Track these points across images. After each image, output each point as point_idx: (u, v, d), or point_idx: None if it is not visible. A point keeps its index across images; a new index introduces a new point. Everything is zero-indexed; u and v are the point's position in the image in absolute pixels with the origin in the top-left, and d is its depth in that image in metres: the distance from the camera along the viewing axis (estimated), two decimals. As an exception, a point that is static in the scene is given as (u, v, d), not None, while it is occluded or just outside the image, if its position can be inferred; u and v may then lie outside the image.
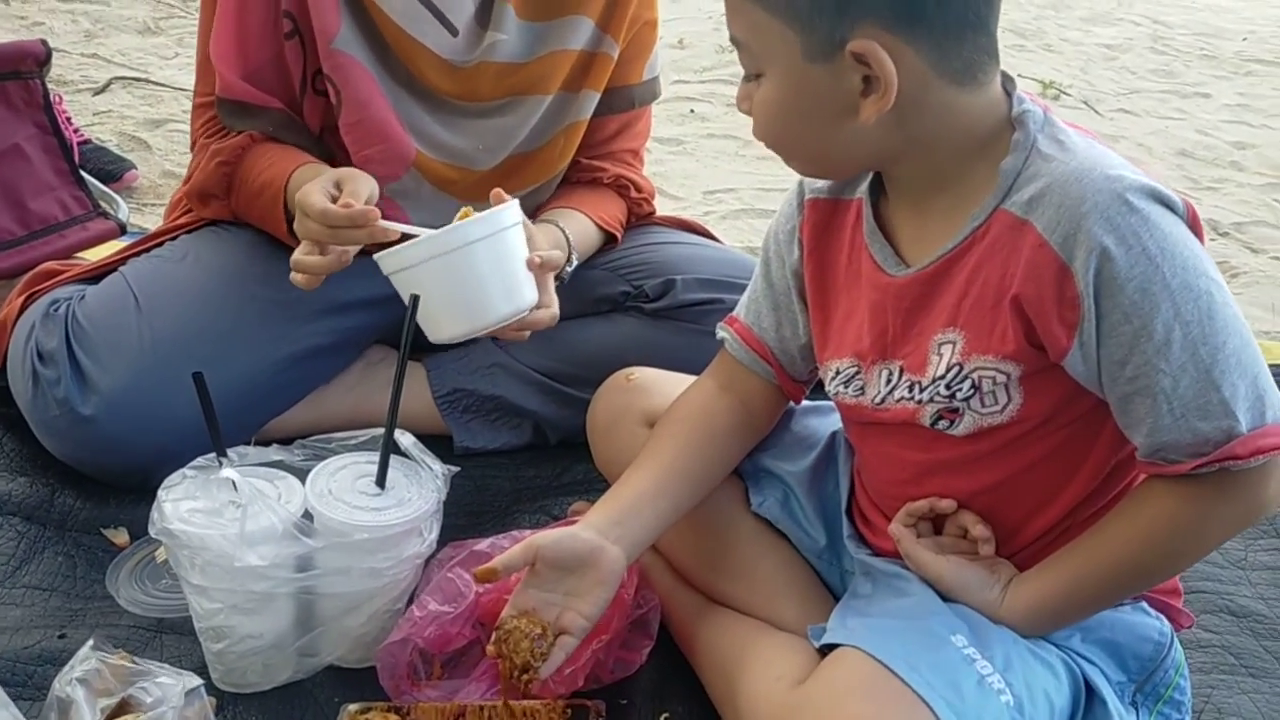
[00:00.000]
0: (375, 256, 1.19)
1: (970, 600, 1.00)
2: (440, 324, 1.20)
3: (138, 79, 2.93)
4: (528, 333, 1.29)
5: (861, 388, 1.05)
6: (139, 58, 3.11)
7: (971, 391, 0.97)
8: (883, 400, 1.03)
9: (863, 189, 1.06)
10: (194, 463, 1.10)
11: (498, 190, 1.25)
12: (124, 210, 1.94)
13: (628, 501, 1.09)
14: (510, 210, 1.20)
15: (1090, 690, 1.00)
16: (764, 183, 2.56)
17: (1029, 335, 0.94)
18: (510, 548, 1.07)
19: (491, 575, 1.02)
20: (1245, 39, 4.47)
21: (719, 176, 2.63)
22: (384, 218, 1.44)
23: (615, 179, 1.55)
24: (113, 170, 2.26)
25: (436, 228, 1.19)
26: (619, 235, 1.54)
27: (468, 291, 1.17)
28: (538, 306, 1.25)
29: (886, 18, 0.89)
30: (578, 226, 1.46)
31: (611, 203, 1.54)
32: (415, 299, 1.12)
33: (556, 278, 1.34)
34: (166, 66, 3.07)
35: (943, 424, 1.00)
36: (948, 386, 0.98)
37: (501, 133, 1.47)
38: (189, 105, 2.69)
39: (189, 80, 2.84)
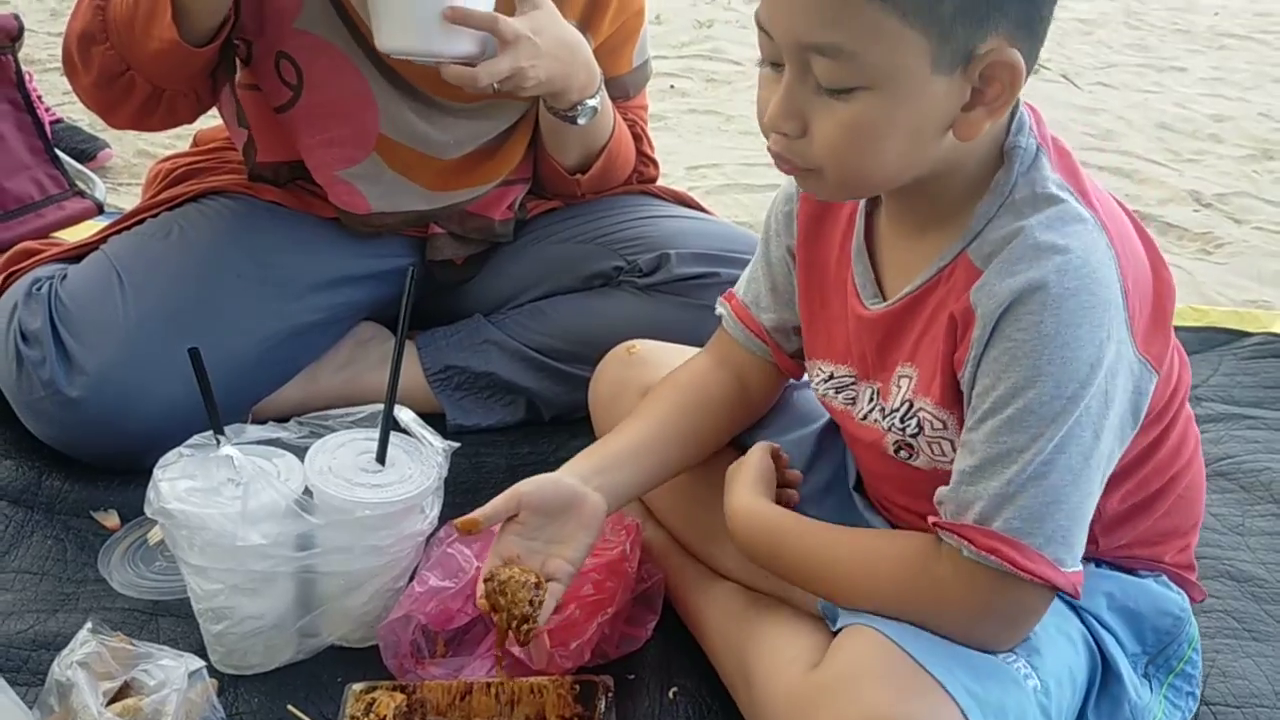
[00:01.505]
0: None
1: (732, 478, 1.06)
2: (382, 34, 1.26)
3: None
4: (465, 88, 1.28)
5: (853, 399, 1.04)
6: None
7: (917, 430, 0.96)
8: (864, 416, 1.02)
9: None
10: (190, 441, 1.08)
11: None
12: (101, 189, 1.90)
13: (612, 453, 1.09)
14: None
15: (1106, 662, 0.99)
16: (747, 158, 2.54)
17: (955, 385, 0.92)
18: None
19: (473, 525, 1.00)
20: (1217, 14, 4.51)
21: (702, 152, 2.61)
22: (340, 198, 1.43)
23: (632, 122, 1.54)
24: (86, 149, 2.22)
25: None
26: (631, 161, 1.53)
27: (398, 12, 1.23)
28: (485, 59, 1.26)
29: (1014, 26, 0.83)
30: (606, 98, 1.44)
31: (628, 137, 1.53)
32: (411, 271, 1.10)
33: (573, 107, 1.38)
34: (136, 45, 3.00)
35: (903, 454, 0.99)
36: (901, 420, 0.97)
37: (477, 130, 1.45)
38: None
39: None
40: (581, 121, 1.41)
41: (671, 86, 3.01)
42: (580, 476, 1.05)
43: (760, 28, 0.88)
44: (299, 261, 1.43)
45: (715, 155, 2.57)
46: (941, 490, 0.91)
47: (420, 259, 1.50)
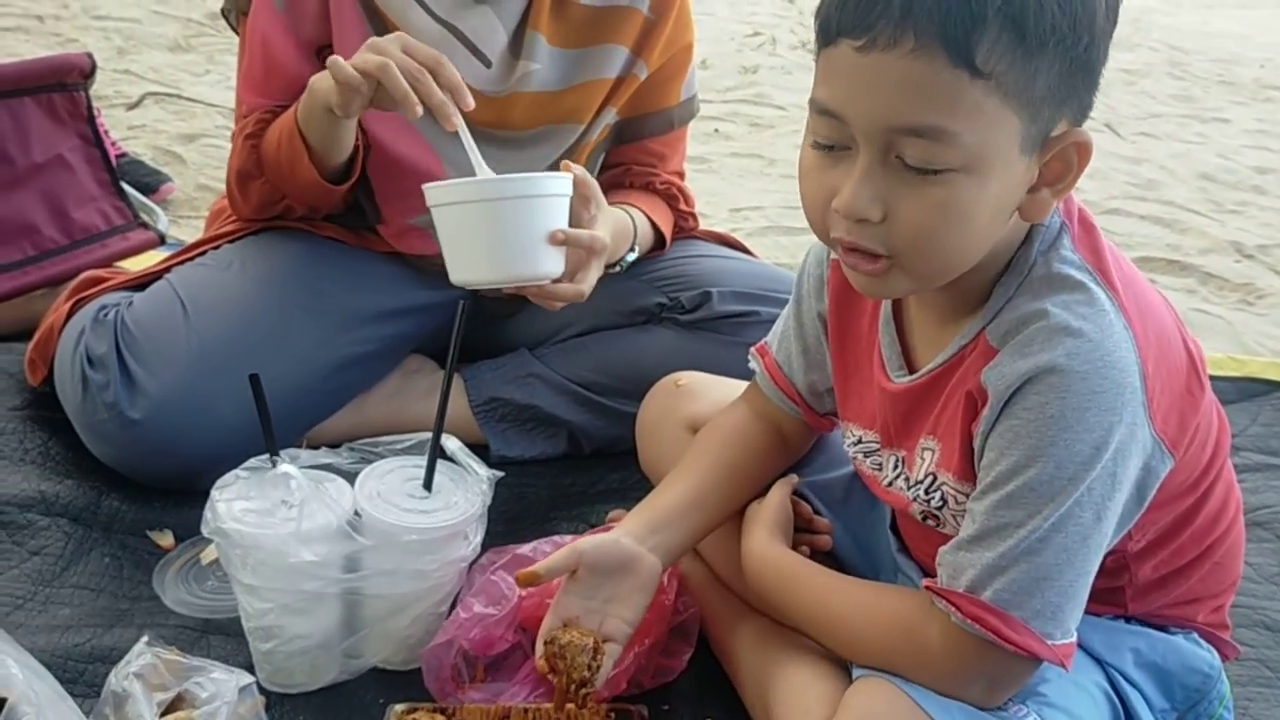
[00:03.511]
0: (425, 187, 1.22)
1: (750, 519, 1.09)
2: (461, 266, 1.23)
3: (170, 94, 2.97)
4: (557, 305, 1.31)
5: (879, 465, 1.06)
6: (170, 74, 3.15)
7: (942, 504, 0.98)
8: (890, 484, 1.04)
9: None
10: (247, 464, 1.12)
11: (567, 162, 1.28)
12: (163, 221, 1.97)
13: (664, 511, 1.11)
14: (559, 180, 1.23)
15: (1130, 717, 1.00)
16: (789, 200, 2.57)
17: (972, 459, 0.94)
18: (551, 553, 1.08)
19: (534, 579, 1.03)
20: (1263, 66, 4.50)
21: (745, 194, 2.65)
22: (412, 243, 1.49)
23: (667, 185, 1.57)
24: (149, 183, 2.28)
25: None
26: (668, 241, 1.56)
27: (494, 242, 1.20)
28: (569, 281, 1.28)
29: (1078, 111, 0.85)
30: (640, 221, 1.49)
31: (663, 210, 1.56)
32: (463, 305, 1.14)
33: (615, 264, 1.36)
34: (198, 83, 3.10)
35: (930, 523, 1.01)
36: (926, 492, 0.99)
37: (534, 162, 1.48)
38: (220, 121, 2.76)
39: (220, 96, 2.90)
40: (619, 268, 1.45)
41: (716, 130, 3.05)
42: (636, 537, 1.07)
43: (827, 112, 0.84)
44: (354, 295, 1.48)
45: (758, 198, 2.60)
46: (942, 551, 0.93)
47: (470, 293, 1.54)
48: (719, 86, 3.41)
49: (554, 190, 1.22)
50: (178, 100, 2.93)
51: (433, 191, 1.21)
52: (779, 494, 1.11)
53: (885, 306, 1.03)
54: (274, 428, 1.12)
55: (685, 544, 1.12)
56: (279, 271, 1.46)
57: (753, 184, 2.72)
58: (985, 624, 0.88)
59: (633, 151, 1.59)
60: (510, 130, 1.46)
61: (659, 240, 1.55)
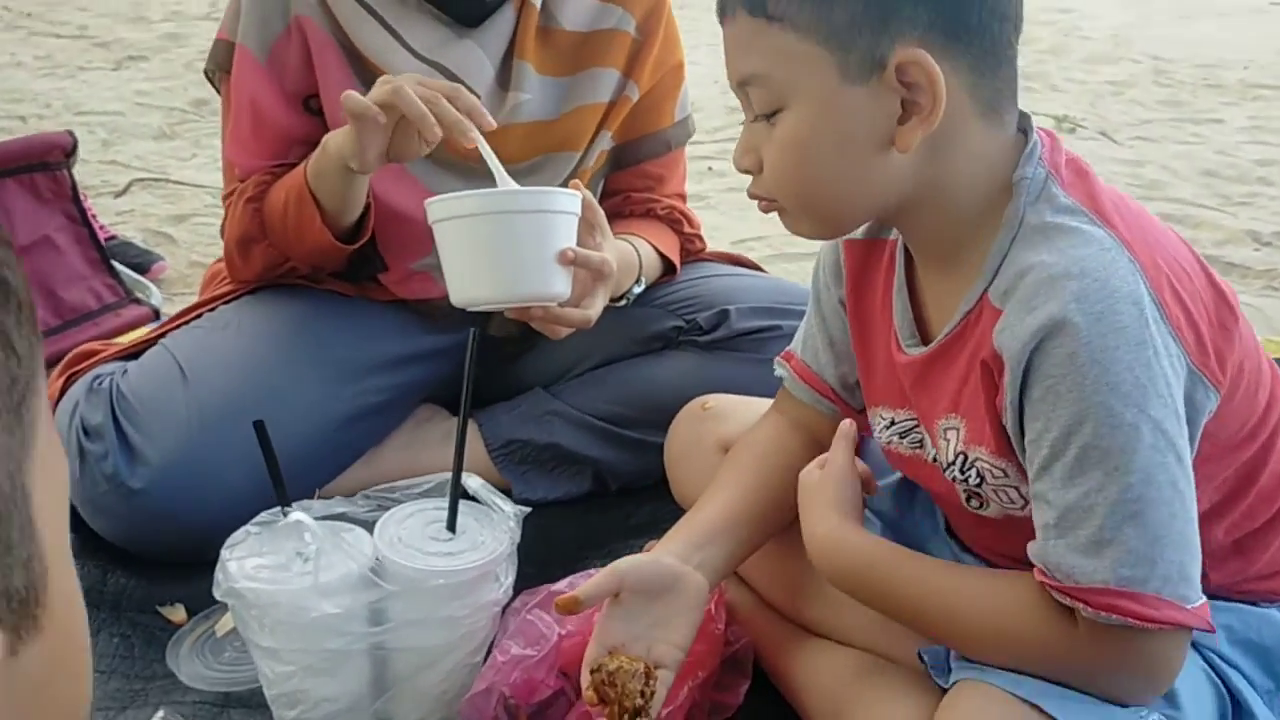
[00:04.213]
0: (426, 202, 1.16)
1: (812, 498, 0.99)
2: (464, 284, 1.17)
3: (157, 179, 2.95)
4: (562, 331, 1.25)
5: (919, 442, 0.99)
6: (157, 161, 3.14)
7: (979, 480, 0.92)
8: (934, 459, 0.97)
9: (896, 231, 1.01)
10: (257, 518, 1.05)
11: (577, 181, 1.23)
12: (157, 297, 1.93)
13: (705, 528, 1.04)
14: (566, 197, 1.17)
15: (1235, 700, 0.92)
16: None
17: (1005, 432, 0.88)
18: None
19: (573, 605, 0.95)
20: (1246, 67, 4.49)
21: (746, 227, 2.61)
22: (414, 288, 1.44)
23: (669, 210, 1.53)
24: (140, 263, 2.24)
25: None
26: (677, 267, 1.50)
27: (502, 258, 1.14)
28: (576, 306, 1.21)
29: (928, 33, 0.84)
30: (645, 250, 1.43)
31: (668, 235, 1.52)
32: (474, 333, 1.08)
33: (621, 297, 1.30)
34: (185, 167, 3.08)
35: (974, 504, 0.95)
36: (961, 471, 0.93)
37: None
38: (210, 200, 2.73)
39: (208, 178, 2.87)
40: (624, 303, 1.40)
41: (710, 168, 3.03)
42: (679, 555, 1.01)
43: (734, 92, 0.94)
44: (359, 344, 1.42)
45: (759, 229, 2.56)
46: (1031, 547, 0.86)
47: (480, 322, 1.48)
48: (708, 127, 3.39)
49: (565, 207, 1.17)
50: (165, 184, 2.91)
51: (437, 205, 1.16)
52: (841, 460, 1.00)
53: (899, 276, 0.99)
54: (287, 493, 1.06)
55: (731, 561, 1.05)
56: (279, 327, 1.41)
57: (753, 216, 2.64)
58: (1120, 610, 0.80)
59: (630, 177, 1.54)
60: (505, 164, 1.41)
61: (667, 267, 1.50)
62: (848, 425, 1.03)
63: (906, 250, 1.00)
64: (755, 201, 0.96)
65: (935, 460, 0.97)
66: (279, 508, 1.04)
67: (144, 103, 3.71)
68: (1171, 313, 0.83)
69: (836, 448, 1.01)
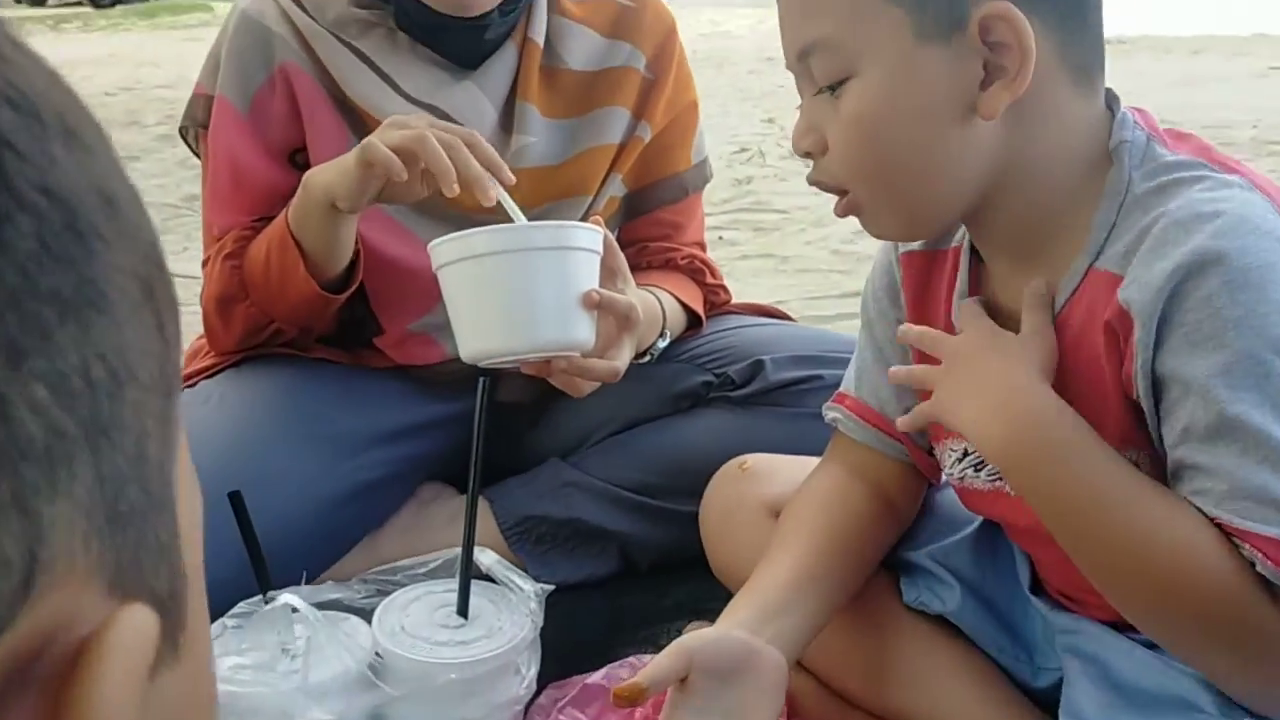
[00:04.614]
0: (430, 245, 1.03)
1: (1016, 355, 0.79)
2: (476, 335, 1.02)
3: (148, 272, 2.86)
4: (586, 387, 1.12)
5: (999, 472, 0.86)
6: (148, 255, 3.06)
7: None
8: None
9: (960, 237, 0.91)
10: (234, 610, 0.90)
11: (597, 215, 1.11)
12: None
13: (774, 595, 0.90)
14: (587, 233, 1.04)
15: None
16: (810, 292, 2.43)
17: (1135, 413, 0.76)
18: (631, 676, 0.85)
19: (638, 694, 0.79)
20: (1255, 125, 4.49)
21: (763, 293, 2.49)
22: (413, 352, 1.31)
23: (689, 260, 1.40)
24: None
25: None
26: (703, 319, 1.37)
27: (515, 303, 0.99)
28: (602, 357, 1.08)
29: None
30: (668, 302, 1.31)
31: (690, 287, 1.39)
32: (484, 383, 0.94)
33: (645, 353, 1.17)
34: (176, 260, 2.98)
35: None
36: None
37: None
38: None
39: (199, 269, 2.77)
40: (649, 359, 1.27)
41: (721, 237, 2.94)
42: (750, 628, 0.86)
43: (789, 68, 0.84)
44: (354, 415, 1.28)
45: (777, 294, 2.46)
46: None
47: (490, 374, 1.35)
48: (715, 199, 3.31)
49: (588, 244, 1.03)
50: (156, 276, 2.82)
51: (444, 247, 1.01)
52: (1042, 320, 0.80)
53: (961, 281, 0.88)
54: (270, 576, 0.91)
55: (808, 632, 0.90)
56: (265, 399, 1.27)
57: (769, 281, 2.57)
58: None
59: (646, 226, 1.42)
60: (497, 213, 1.30)
61: (692, 320, 1.37)
62: (1039, 284, 0.83)
63: (973, 254, 0.89)
64: (833, 199, 0.85)
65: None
66: (260, 595, 0.89)
67: (136, 199, 3.66)
68: None
69: (1033, 312, 0.82)
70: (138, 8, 13.48)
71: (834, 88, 0.80)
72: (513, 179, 1.09)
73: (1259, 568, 0.68)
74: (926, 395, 0.90)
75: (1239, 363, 0.69)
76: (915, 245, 0.95)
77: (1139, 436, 0.76)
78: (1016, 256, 0.85)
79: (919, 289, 0.95)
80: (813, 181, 0.85)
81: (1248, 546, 0.69)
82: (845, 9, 0.78)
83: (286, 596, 0.85)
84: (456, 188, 1.04)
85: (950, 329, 0.89)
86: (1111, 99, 0.82)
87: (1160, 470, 0.76)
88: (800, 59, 0.82)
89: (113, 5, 13.74)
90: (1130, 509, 0.73)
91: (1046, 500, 0.78)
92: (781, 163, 4.04)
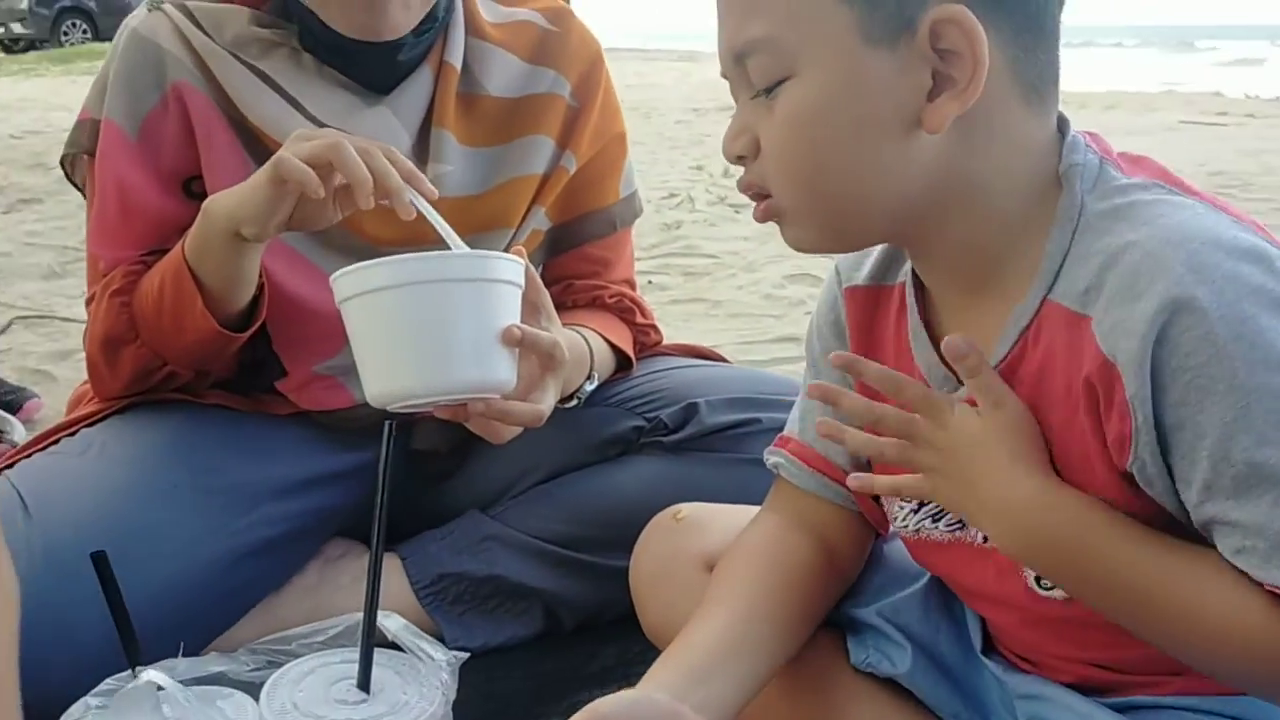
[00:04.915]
0: (332, 278, 0.93)
1: (991, 452, 0.74)
2: (384, 375, 0.91)
3: (41, 317, 2.72)
4: (506, 432, 1.03)
5: (960, 522, 0.81)
6: (43, 300, 2.92)
7: None
8: (988, 539, 0.79)
9: (905, 272, 0.85)
10: (99, 687, 0.79)
11: (519, 246, 1.04)
12: (20, 432, 1.66)
13: (703, 656, 0.81)
14: (508, 264, 0.95)
15: None
16: (743, 336, 2.37)
17: (1112, 459, 0.71)
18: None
19: None
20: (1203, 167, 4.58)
21: (694, 336, 2.44)
22: (318, 396, 1.21)
23: (618, 298, 1.32)
24: (11, 400, 2.00)
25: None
26: (633, 360, 1.30)
27: (428, 339, 0.89)
28: (524, 400, 1.00)
29: None
30: (596, 342, 1.22)
31: (619, 326, 1.31)
32: (389, 426, 0.85)
33: (571, 396, 1.09)
34: (74, 305, 2.85)
35: (1047, 583, 0.77)
36: None
37: None
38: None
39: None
40: (575, 403, 1.19)
41: (650, 282, 2.89)
42: (673, 692, 0.77)
43: (723, 75, 0.80)
44: (251, 466, 1.18)
45: (709, 338, 2.40)
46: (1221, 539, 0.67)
47: (400, 450, 1.24)
48: (644, 244, 3.27)
49: (509, 276, 0.94)
50: (51, 321, 2.68)
51: (347, 279, 0.91)
52: (1013, 398, 0.75)
53: (912, 316, 0.83)
54: (154, 647, 0.81)
55: (740, 697, 0.81)
56: (151, 448, 1.16)
57: (700, 325, 2.51)
58: None
59: (573, 262, 1.35)
60: (428, 244, 1.21)
61: (621, 361, 1.29)
62: (960, 344, 0.77)
63: (919, 287, 0.83)
64: (751, 201, 0.80)
65: (988, 541, 0.77)
66: (129, 666, 0.78)
67: (34, 242, 3.55)
68: None
69: (995, 387, 0.76)
70: (50, 53, 13.22)
71: (770, 90, 0.75)
72: (435, 192, 1.02)
73: None
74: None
75: (1256, 401, 0.64)
76: (860, 280, 0.89)
77: (1129, 493, 0.71)
78: (965, 288, 0.79)
79: (864, 325, 0.89)
80: (743, 187, 0.80)
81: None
82: (790, 6, 0.73)
83: (152, 673, 0.74)
84: (373, 199, 0.96)
85: (900, 367, 0.83)
86: (1063, 121, 0.78)
87: (1154, 509, 0.71)
88: (738, 61, 0.76)
89: (25, 51, 13.46)
90: (1168, 587, 0.69)
91: (1079, 592, 0.74)
92: (711, 208, 4.02)
